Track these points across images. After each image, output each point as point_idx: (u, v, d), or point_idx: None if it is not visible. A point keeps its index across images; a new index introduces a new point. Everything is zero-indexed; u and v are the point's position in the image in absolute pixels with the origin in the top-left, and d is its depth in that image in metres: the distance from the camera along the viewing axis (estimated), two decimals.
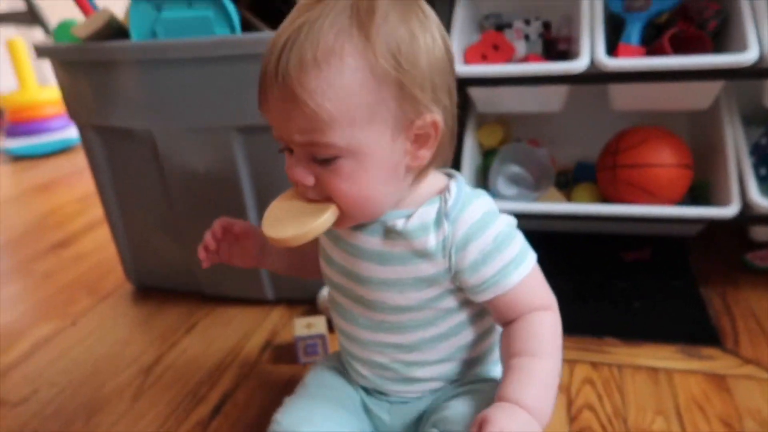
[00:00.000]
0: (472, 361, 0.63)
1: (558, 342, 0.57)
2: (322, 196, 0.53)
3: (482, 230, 0.55)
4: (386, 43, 0.49)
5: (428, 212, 0.55)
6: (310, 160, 0.52)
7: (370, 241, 0.58)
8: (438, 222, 0.55)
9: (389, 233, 0.57)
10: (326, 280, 0.64)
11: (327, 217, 0.53)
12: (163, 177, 0.98)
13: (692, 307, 0.93)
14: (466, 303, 0.59)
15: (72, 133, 2.23)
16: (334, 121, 0.49)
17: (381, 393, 0.64)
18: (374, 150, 0.51)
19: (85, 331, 1.01)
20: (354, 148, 0.50)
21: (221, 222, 0.70)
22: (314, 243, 0.60)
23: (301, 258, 0.70)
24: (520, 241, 0.57)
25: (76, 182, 1.81)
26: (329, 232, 0.60)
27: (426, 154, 0.54)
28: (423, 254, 0.56)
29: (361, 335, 0.61)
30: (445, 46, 0.53)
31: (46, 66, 3.26)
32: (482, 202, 0.57)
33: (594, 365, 0.81)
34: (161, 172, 0.98)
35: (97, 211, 1.56)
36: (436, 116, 0.52)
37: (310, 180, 0.52)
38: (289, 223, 0.54)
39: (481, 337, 0.62)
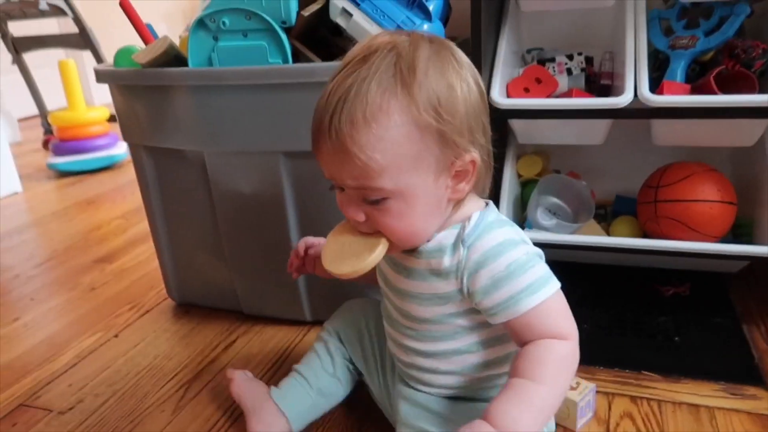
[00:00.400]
0: (486, 379, 0.66)
1: (564, 372, 0.59)
2: (372, 230, 0.60)
3: (495, 258, 0.59)
4: (428, 97, 0.55)
5: (447, 237, 0.62)
6: (361, 200, 0.59)
7: (401, 256, 0.65)
8: (455, 246, 0.61)
9: (412, 251, 0.63)
10: (380, 287, 0.72)
11: (379, 251, 0.60)
12: (210, 197, 1.01)
13: (734, 345, 0.92)
14: (484, 324, 0.63)
15: (116, 150, 2.30)
16: (383, 169, 0.55)
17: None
18: (419, 190, 0.57)
19: (127, 343, 1.04)
20: (401, 191, 0.57)
21: (305, 241, 0.82)
22: None
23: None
24: (538, 271, 0.60)
25: (120, 199, 1.87)
26: None
27: (465, 187, 0.60)
28: (438, 273, 0.62)
29: (393, 334, 0.70)
30: (479, 90, 0.60)
31: (95, 87, 3.38)
32: (502, 231, 0.61)
33: (633, 399, 0.81)
34: (209, 192, 1.01)
35: (140, 227, 1.61)
36: (474, 155, 0.58)
37: (361, 217, 0.59)
38: (347, 258, 0.61)
39: (499, 360, 0.66)
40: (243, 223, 1.01)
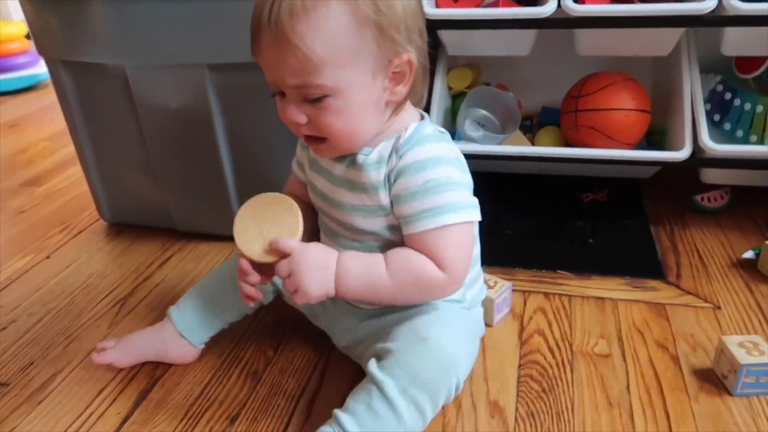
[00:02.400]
0: None
1: (415, 288, 0.62)
2: (313, 132, 0.61)
3: (416, 171, 0.61)
4: None
5: (386, 147, 0.63)
6: (302, 100, 0.59)
7: (341, 169, 0.65)
8: (390, 156, 0.62)
9: (352, 164, 0.64)
10: (315, 206, 0.72)
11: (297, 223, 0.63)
12: (135, 114, 0.99)
13: (642, 244, 0.99)
14: None
15: (39, 69, 2.18)
16: (323, 62, 0.55)
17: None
18: (358, 88, 0.58)
19: (60, 264, 1.04)
20: (341, 87, 0.57)
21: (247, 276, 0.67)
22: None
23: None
24: (454, 196, 0.61)
25: (47, 120, 1.79)
26: (314, 165, 0.69)
27: (402, 89, 0.61)
28: (377, 186, 0.63)
29: (335, 248, 0.67)
30: None
31: (12, 2, 3.13)
32: (437, 146, 0.62)
33: (546, 295, 0.87)
34: (134, 109, 0.98)
35: (69, 149, 1.55)
36: (411, 55, 0.59)
37: (302, 118, 0.59)
38: (258, 239, 0.63)
39: None
40: (171, 140, 1.00)
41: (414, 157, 0.61)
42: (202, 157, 0.99)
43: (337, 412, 0.59)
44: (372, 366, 0.60)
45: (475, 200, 0.64)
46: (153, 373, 0.77)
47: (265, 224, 0.63)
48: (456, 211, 0.61)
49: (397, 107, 0.63)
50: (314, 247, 0.63)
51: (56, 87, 1.04)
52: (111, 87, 0.98)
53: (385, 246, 0.65)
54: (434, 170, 0.60)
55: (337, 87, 0.57)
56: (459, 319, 0.67)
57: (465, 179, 0.63)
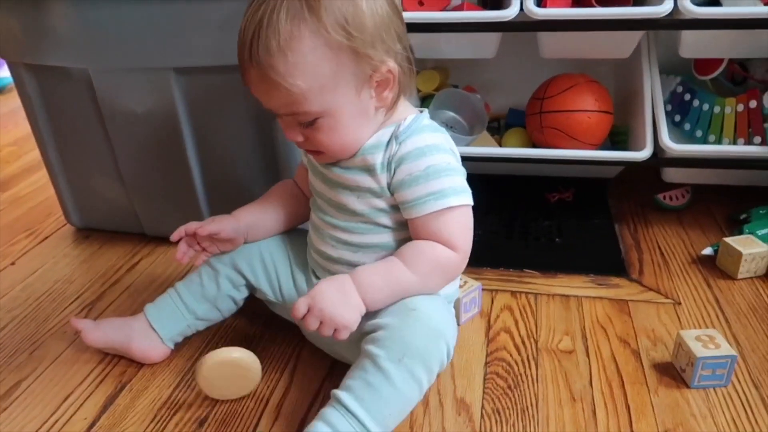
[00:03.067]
0: None
1: (438, 273, 0.66)
2: (312, 147, 0.67)
3: (418, 157, 0.64)
4: (335, 18, 0.58)
5: (384, 134, 0.66)
6: (296, 124, 0.64)
7: None
8: (389, 142, 0.65)
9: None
10: (311, 188, 0.75)
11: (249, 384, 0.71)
12: (101, 118, 0.98)
13: (606, 242, 1.02)
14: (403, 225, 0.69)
15: (2, 73, 2.13)
16: (307, 93, 0.60)
17: (318, 278, 0.75)
18: (344, 106, 0.62)
19: (25, 270, 1.02)
20: (328, 110, 0.62)
21: (190, 229, 0.76)
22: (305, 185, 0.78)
23: (294, 217, 0.82)
24: (453, 181, 0.65)
25: (12, 125, 1.76)
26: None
27: (389, 94, 0.64)
28: (372, 169, 0.66)
29: (324, 228, 0.72)
30: (386, 2, 0.62)
31: None
32: (434, 136, 0.66)
33: (513, 294, 0.89)
34: (99, 113, 0.97)
35: (34, 154, 1.52)
36: (390, 64, 0.62)
37: (300, 138, 0.65)
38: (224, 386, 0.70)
39: None
40: (138, 144, 0.99)
41: (414, 144, 0.64)
42: (169, 160, 0.98)
43: (336, 391, 0.61)
44: (364, 342, 0.63)
45: (468, 187, 0.67)
46: (121, 378, 0.76)
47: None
48: (457, 194, 0.65)
49: (391, 107, 0.66)
50: (324, 286, 0.64)
51: (19, 91, 1.03)
52: (75, 91, 0.97)
53: (371, 228, 0.69)
54: (434, 156, 0.64)
55: (325, 110, 0.62)
56: (440, 297, 0.70)
57: (460, 167, 0.67)
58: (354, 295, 0.64)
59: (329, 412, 0.60)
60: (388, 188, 0.66)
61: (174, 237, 0.75)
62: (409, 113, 0.68)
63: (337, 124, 0.63)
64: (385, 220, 0.68)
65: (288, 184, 0.83)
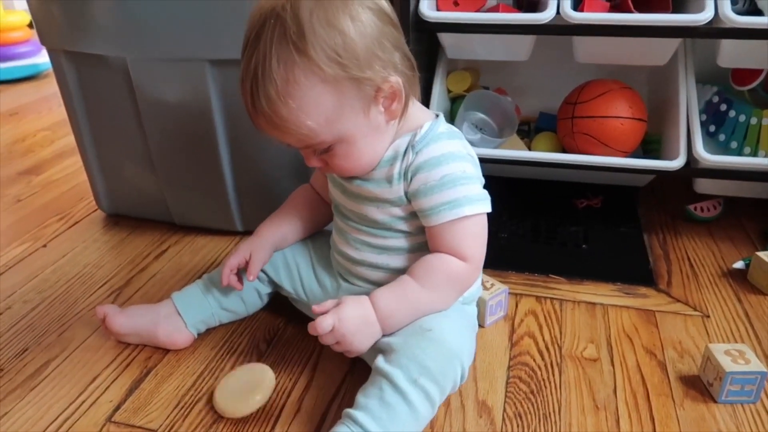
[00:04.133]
0: None
1: (450, 286, 0.67)
2: (335, 172, 0.68)
3: (434, 167, 0.64)
4: (325, 54, 0.57)
5: (401, 144, 0.67)
6: (313, 153, 0.66)
7: None
8: (406, 151, 0.66)
9: None
10: (332, 197, 0.76)
11: (259, 399, 0.70)
12: (136, 106, 0.99)
13: (634, 251, 1.00)
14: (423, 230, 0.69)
15: (40, 59, 2.18)
16: (316, 129, 0.61)
17: (343, 278, 0.77)
18: (356, 129, 0.63)
19: (56, 253, 1.04)
20: (340, 137, 0.62)
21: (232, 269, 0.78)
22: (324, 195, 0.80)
23: (315, 224, 0.83)
24: (468, 190, 0.65)
25: (46, 110, 1.80)
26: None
27: (397, 106, 0.64)
28: (390, 179, 0.66)
29: (349, 231, 0.73)
30: (375, 14, 0.60)
31: None
32: (450, 144, 0.66)
33: (538, 299, 0.88)
34: (134, 101, 0.99)
35: (68, 139, 1.56)
36: (392, 79, 0.61)
37: (319, 164, 0.67)
38: (238, 400, 0.69)
39: None
40: (171, 134, 1.00)
41: (430, 153, 0.65)
42: (201, 151, 0.99)
43: (350, 411, 0.60)
44: (379, 361, 0.62)
45: (486, 193, 0.67)
46: (146, 363, 0.77)
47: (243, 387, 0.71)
48: (471, 203, 0.65)
49: (402, 116, 0.66)
50: (351, 310, 0.65)
51: (57, 77, 1.05)
52: (112, 79, 0.98)
53: (391, 235, 0.70)
54: (449, 165, 0.64)
55: (337, 137, 0.62)
56: (457, 312, 0.70)
57: (477, 174, 0.68)
58: (375, 324, 0.65)
59: (342, 431, 0.59)
60: (405, 196, 0.67)
61: (224, 282, 0.77)
62: (425, 119, 0.68)
63: (352, 148, 0.64)
64: (405, 226, 0.69)
65: (307, 191, 0.84)
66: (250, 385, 0.71)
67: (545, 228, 1.08)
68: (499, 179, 1.23)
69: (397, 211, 0.68)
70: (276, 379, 0.73)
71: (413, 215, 0.68)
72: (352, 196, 0.71)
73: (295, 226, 0.82)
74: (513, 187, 1.20)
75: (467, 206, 0.64)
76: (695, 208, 1.10)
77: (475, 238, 0.67)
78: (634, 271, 0.95)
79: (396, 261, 0.71)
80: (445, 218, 0.64)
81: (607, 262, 0.98)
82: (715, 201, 1.10)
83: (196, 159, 1.01)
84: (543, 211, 1.13)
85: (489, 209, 0.67)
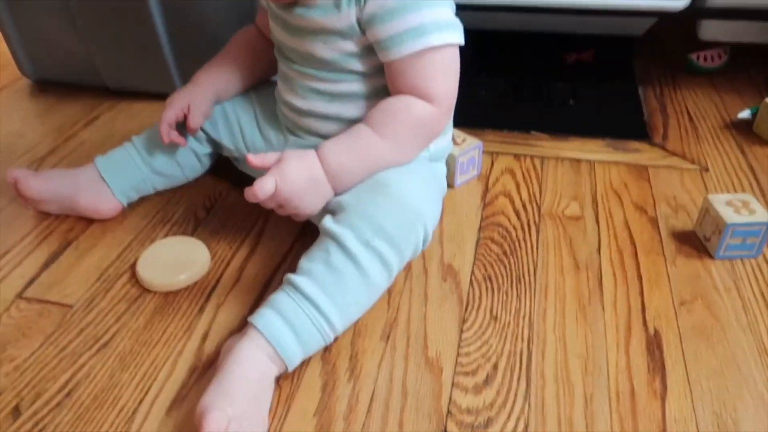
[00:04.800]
0: None
1: (414, 134, 0.56)
2: None
3: None
4: None
5: None
6: None
7: None
8: None
9: None
10: (273, 37, 0.63)
11: (184, 279, 0.60)
12: None
13: (627, 105, 0.89)
14: (381, 70, 0.56)
15: None
16: None
17: (290, 132, 0.65)
18: None
19: None
20: None
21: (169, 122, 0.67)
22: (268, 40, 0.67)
23: (260, 71, 0.70)
24: (436, 14, 0.52)
25: None
26: None
27: None
28: (339, 3, 0.53)
29: (294, 77, 0.61)
30: None
31: None
32: None
33: (516, 157, 0.78)
34: None
35: None
36: None
37: None
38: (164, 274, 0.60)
39: None
40: None
41: None
42: (129, 3, 0.84)
43: (291, 276, 0.51)
44: (327, 221, 0.52)
45: (458, 21, 0.55)
46: (67, 235, 0.68)
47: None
48: (440, 29, 0.53)
49: None
50: (293, 168, 0.54)
51: None
52: None
53: (341, 78, 0.58)
54: None
55: None
56: (421, 168, 0.59)
57: (450, 2, 0.54)
58: (323, 182, 0.55)
59: (281, 298, 0.50)
60: (358, 24, 0.54)
61: (165, 140, 0.66)
62: None
63: None
64: (359, 65, 0.57)
65: (250, 33, 0.70)
66: (179, 261, 0.61)
67: (529, 84, 0.96)
68: (480, 32, 1.09)
69: (349, 46, 0.55)
70: (215, 247, 0.64)
71: (369, 50, 0.55)
72: (295, 31, 0.57)
73: (237, 73, 0.69)
74: (495, 41, 1.06)
75: (435, 33, 0.52)
76: (698, 57, 0.97)
77: (444, 75, 0.55)
78: (626, 125, 0.84)
79: (349, 110, 0.59)
80: (408, 49, 0.52)
81: (596, 117, 0.87)
82: (720, 50, 0.97)
83: (124, 11, 0.86)
84: (528, 66, 1.01)
85: (461, 41, 0.54)
